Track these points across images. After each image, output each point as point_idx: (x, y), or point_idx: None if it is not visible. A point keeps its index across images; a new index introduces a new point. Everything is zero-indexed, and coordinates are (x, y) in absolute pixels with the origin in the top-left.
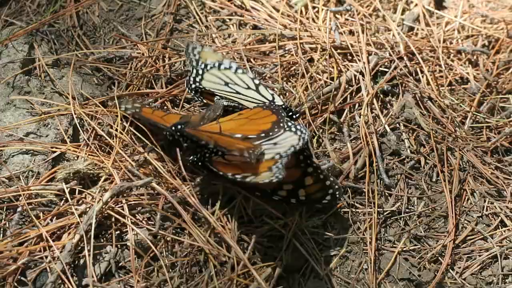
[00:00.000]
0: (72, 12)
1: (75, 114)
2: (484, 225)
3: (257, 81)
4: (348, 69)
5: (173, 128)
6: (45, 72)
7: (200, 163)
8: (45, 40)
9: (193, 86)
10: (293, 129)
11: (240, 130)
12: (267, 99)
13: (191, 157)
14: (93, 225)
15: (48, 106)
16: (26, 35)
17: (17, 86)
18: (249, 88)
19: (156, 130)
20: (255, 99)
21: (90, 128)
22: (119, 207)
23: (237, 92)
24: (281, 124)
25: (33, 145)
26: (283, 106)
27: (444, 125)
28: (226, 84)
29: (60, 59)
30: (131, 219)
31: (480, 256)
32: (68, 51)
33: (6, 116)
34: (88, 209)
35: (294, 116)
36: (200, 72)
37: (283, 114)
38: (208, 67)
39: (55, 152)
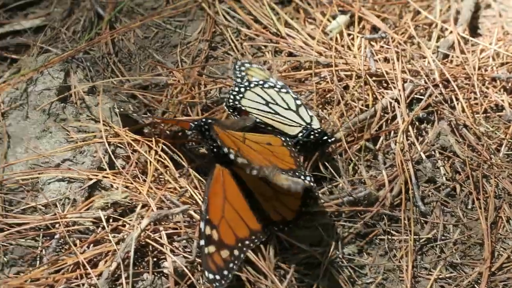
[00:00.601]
0: (107, 39)
1: (110, 141)
2: None
3: (299, 102)
4: (383, 97)
5: (203, 120)
6: (81, 99)
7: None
8: (81, 67)
9: (231, 103)
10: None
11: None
12: (305, 121)
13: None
14: (132, 253)
15: (84, 133)
16: (62, 62)
17: (53, 113)
18: (289, 108)
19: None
20: (293, 120)
21: (125, 156)
22: (156, 234)
23: (276, 113)
24: (297, 174)
25: (69, 172)
26: (319, 130)
27: (479, 153)
28: (267, 103)
29: (95, 86)
30: (168, 246)
31: None
32: (104, 78)
33: (42, 143)
34: (125, 236)
35: (329, 140)
36: (243, 90)
37: (300, 164)
38: (252, 85)
39: (91, 179)
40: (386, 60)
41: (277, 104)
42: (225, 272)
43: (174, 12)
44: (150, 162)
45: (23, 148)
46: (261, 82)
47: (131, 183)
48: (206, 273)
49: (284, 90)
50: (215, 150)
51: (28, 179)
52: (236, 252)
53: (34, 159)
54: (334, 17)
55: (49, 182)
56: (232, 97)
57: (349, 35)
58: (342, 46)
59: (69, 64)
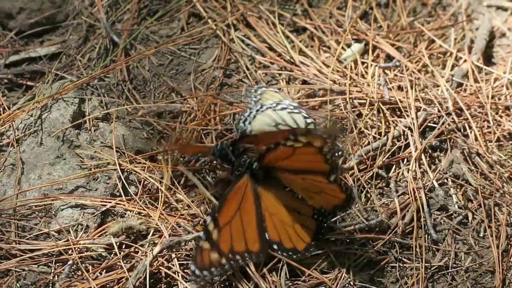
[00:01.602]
0: (122, 66)
1: (124, 168)
2: None
3: (309, 120)
4: (396, 125)
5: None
6: (95, 126)
7: None
8: (95, 94)
9: (240, 127)
10: None
11: None
12: None
13: None
14: (147, 279)
15: (97, 160)
16: (76, 89)
17: (67, 140)
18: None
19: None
20: None
21: (139, 183)
22: (168, 261)
23: None
24: None
25: (83, 198)
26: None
27: (491, 181)
28: (276, 125)
29: (110, 113)
30: (179, 273)
31: None
32: (118, 105)
33: (56, 170)
34: (137, 263)
35: (337, 154)
36: (254, 113)
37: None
38: (264, 108)
39: (104, 206)
40: (399, 88)
41: (286, 124)
42: (205, 273)
43: (189, 39)
44: (162, 189)
45: (36, 175)
46: (273, 105)
47: (144, 210)
48: (191, 263)
49: (296, 111)
50: (239, 169)
51: (41, 205)
52: (223, 261)
53: (48, 186)
54: (348, 46)
55: (62, 209)
56: (243, 119)
57: (363, 63)
58: (356, 74)
59: (83, 91)
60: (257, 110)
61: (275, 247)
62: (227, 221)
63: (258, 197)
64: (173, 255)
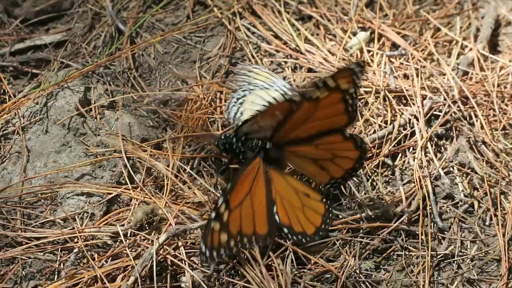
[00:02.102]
0: (128, 54)
1: (130, 156)
2: None
3: None
4: (402, 113)
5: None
6: (100, 114)
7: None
8: (101, 82)
9: (231, 107)
10: None
11: None
12: None
13: None
14: (154, 267)
15: (103, 148)
16: (82, 77)
17: (72, 128)
18: None
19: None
20: None
21: (145, 171)
22: (174, 249)
23: None
24: None
25: (88, 186)
26: None
27: (497, 169)
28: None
29: (115, 101)
30: (186, 261)
31: None
32: (124, 93)
33: (62, 158)
34: (143, 251)
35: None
36: (246, 93)
37: None
38: (256, 88)
39: (110, 194)
40: (405, 76)
41: None
42: (214, 254)
43: (194, 27)
44: (168, 177)
45: (42, 162)
46: (266, 86)
47: (149, 198)
48: (201, 243)
49: (289, 93)
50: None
51: (47, 193)
52: (232, 243)
53: (54, 173)
54: (354, 34)
55: (68, 196)
56: (234, 100)
57: (369, 51)
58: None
59: (89, 79)
60: (250, 90)
61: (285, 230)
62: (238, 203)
63: (269, 181)
64: (179, 243)
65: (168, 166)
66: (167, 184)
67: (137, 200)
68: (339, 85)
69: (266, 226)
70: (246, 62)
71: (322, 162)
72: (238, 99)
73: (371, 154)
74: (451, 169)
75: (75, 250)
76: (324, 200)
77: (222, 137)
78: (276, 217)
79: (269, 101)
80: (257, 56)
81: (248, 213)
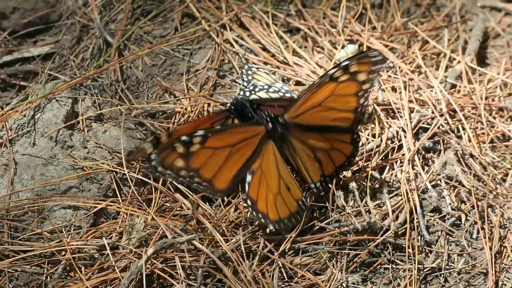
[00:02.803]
0: (115, 67)
1: (117, 169)
2: None
3: None
4: (390, 126)
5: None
6: (88, 126)
7: None
8: (89, 94)
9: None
10: None
11: None
12: None
13: None
14: (144, 280)
15: (90, 161)
16: (70, 89)
17: (60, 140)
18: None
19: None
20: None
21: (132, 184)
22: (161, 262)
23: None
24: None
25: (75, 199)
26: None
27: (485, 182)
28: None
29: (103, 113)
30: (172, 274)
31: None
32: (111, 106)
33: (49, 170)
34: (130, 264)
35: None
36: (248, 94)
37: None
38: (257, 89)
39: (97, 207)
40: (393, 89)
41: None
42: (159, 168)
43: (182, 40)
44: (156, 190)
45: (29, 175)
46: (266, 86)
47: (136, 211)
48: (155, 152)
49: (288, 95)
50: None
51: (34, 206)
52: (182, 173)
53: (41, 186)
54: (342, 46)
55: (55, 209)
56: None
57: None
58: None
59: (77, 91)
60: (250, 91)
61: (249, 202)
62: (214, 147)
63: (260, 151)
64: (167, 256)
65: (155, 179)
66: (155, 197)
67: (127, 215)
68: (357, 72)
69: (226, 185)
70: (249, 62)
71: (319, 153)
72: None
73: (359, 167)
74: (439, 182)
75: (62, 263)
76: (301, 202)
77: (238, 98)
78: (246, 187)
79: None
80: None
81: (218, 162)
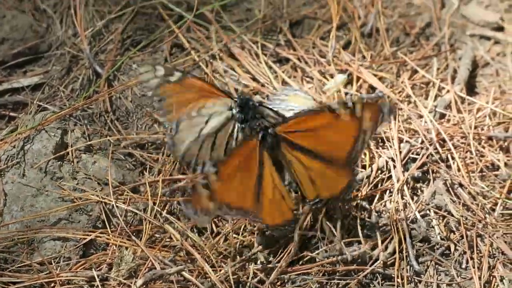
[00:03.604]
0: (105, 97)
1: (106, 200)
2: None
3: None
4: (380, 156)
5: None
6: (77, 157)
7: None
8: (78, 125)
9: None
10: None
11: None
12: None
13: None
14: None
15: (80, 192)
16: (59, 120)
17: (49, 172)
18: None
19: None
20: None
21: (121, 215)
22: None
23: None
24: None
25: (65, 231)
26: None
27: (474, 212)
28: None
29: (92, 144)
30: None
31: None
32: (101, 137)
33: (39, 202)
34: None
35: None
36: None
37: None
38: (287, 108)
39: (86, 238)
40: None
41: None
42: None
43: None
44: (146, 220)
45: (19, 206)
46: (297, 107)
47: (125, 243)
48: (188, 206)
49: None
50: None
51: (24, 237)
52: (215, 208)
53: (30, 218)
54: (331, 76)
55: (45, 241)
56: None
57: (346, 93)
58: None
59: (66, 122)
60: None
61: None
62: (229, 174)
63: (262, 162)
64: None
65: (145, 209)
66: (145, 228)
67: (116, 246)
68: (362, 117)
69: (252, 201)
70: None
71: (312, 174)
72: None
73: (349, 197)
74: (428, 212)
75: None
76: (295, 211)
77: (246, 97)
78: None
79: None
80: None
81: (239, 187)
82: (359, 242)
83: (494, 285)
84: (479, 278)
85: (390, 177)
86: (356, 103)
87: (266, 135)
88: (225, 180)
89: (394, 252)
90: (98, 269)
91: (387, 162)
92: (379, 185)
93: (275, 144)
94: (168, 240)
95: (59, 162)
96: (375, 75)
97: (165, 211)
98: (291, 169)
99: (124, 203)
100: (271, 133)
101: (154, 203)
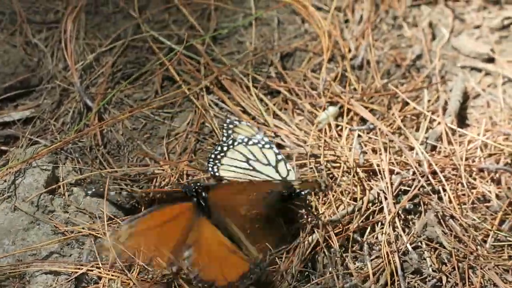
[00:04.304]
0: (96, 131)
1: (98, 233)
2: None
3: (280, 157)
4: (371, 188)
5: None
6: (69, 191)
7: None
8: (69, 159)
9: (212, 163)
10: None
11: None
12: (281, 176)
13: None
14: None
15: (71, 225)
16: (50, 154)
17: (41, 205)
18: (268, 164)
19: None
20: (270, 176)
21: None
22: None
23: (254, 169)
24: None
25: (56, 265)
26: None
27: (466, 244)
28: (247, 160)
29: (83, 177)
30: None
31: None
32: (92, 170)
33: (30, 235)
34: None
35: (301, 194)
36: (225, 149)
37: None
38: (236, 143)
39: (77, 272)
40: (374, 151)
41: (257, 160)
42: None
43: (162, 103)
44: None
45: (10, 240)
46: (245, 140)
47: (118, 276)
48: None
49: (267, 146)
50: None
51: (15, 271)
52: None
53: (22, 252)
54: (324, 109)
55: (37, 275)
56: (213, 156)
57: (337, 126)
58: (330, 137)
59: (57, 156)
60: (228, 146)
61: (191, 276)
62: (146, 229)
63: (195, 225)
64: None
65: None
66: (136, 261)
67: (108, 280)
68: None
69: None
70: (232, 117)
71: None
72: (215, 155)
73: (340, 230)
74: (419, 243)
75: None
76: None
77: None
78: (186, 262)
79: (247, 157)
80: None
81: (153, 242)
82: (351, 275)
83: None
84: None
85: (381, 209)
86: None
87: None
88: (140, 235)
89: (386, 284)
90: None
91: (378, 194)
92: (371, 217)
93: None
94: (158, 271)
95: (51, 196)
96: (366, 107)
97: None
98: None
99: (113, 237)
100: (204, 196)
101: None
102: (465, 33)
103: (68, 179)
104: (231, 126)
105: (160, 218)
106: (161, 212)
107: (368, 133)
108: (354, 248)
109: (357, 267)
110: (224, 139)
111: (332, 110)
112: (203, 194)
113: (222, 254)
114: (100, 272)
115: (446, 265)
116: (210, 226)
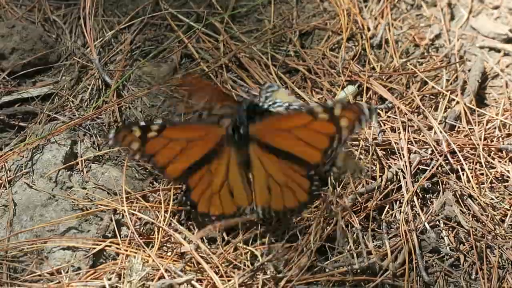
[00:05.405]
0: (114, 107)
1: (116, 209)
2: None
3: None
4: (390, 167)
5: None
6: (87, 167)
7: None
8: (88, 135)
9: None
10: None
11: None
12: None
13: None
14: None
15: (89, 201)
16: (69, 130)
17: (59, 181)
18: None
19: None
20: None
21: (131, 224)
22: None
23: None
24: None
25: (75, 240)
26: None
27: (484, 223)
28: None
29: (102, 154)
30: None
31: None
32: (110, 147)
33: (48, 211)
34: None
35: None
36: (266, 106)
37: None
38: (276, 105)
39: (96, 248)
40: (392, 130)
41: None
42: (119, 142)
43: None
44: (157, 229)
45: (29, 216)
46: (286, 104)
47: (136, 252)
48: (113, 131)
49: None
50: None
51: (33, 247)
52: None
53: (40, 227)
54: (342, 87)
55: (54, 250)
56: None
57: None
58: None
59: (76, 132)
60: (269, 106)
61: (183, 188)
62: (172, 138)
63: (216, 152)
64: None
65: (155, 218)
66: (156, 237)
67: (126, 256)
68: (340, 118)
69: (178, 175)
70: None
71: (271, 182)
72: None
73: (358, 208)
74: (437, 223)
75: None
76: (242, 209)
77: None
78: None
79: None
80: None
81: (173, 152)
82: (369, 253)
83: None
84: None
85: (399, 188)
86: (336, 105)
87: (235, 131)
88: (165, 139)
89: (403, 263)
90: (108, 279)
91: (396, 173)
92: (389, 195)
93: (242, 142)
94: (177, 247)
95: (69, 172)
96: (385, 86)
97: (175, 219)
98: (250, 170)
99: (134, 212)
100: (241, 131)
101: (166, 211)
102: (483, 13)
103: (87, 155)
104: (269, 89)
105: (190, 133)
106: (194, 127)
107: (386, 112)
108: (372, 227)
109: (375, 245)
110: (263, 99)
111: (351, 88)
112: (240, 128)
113: (220, 190)
114: (118, 248)
115: (464, 244)
116: (229, 159)
